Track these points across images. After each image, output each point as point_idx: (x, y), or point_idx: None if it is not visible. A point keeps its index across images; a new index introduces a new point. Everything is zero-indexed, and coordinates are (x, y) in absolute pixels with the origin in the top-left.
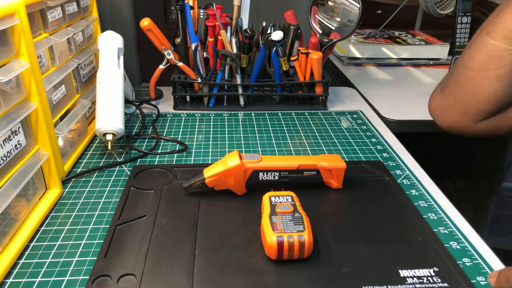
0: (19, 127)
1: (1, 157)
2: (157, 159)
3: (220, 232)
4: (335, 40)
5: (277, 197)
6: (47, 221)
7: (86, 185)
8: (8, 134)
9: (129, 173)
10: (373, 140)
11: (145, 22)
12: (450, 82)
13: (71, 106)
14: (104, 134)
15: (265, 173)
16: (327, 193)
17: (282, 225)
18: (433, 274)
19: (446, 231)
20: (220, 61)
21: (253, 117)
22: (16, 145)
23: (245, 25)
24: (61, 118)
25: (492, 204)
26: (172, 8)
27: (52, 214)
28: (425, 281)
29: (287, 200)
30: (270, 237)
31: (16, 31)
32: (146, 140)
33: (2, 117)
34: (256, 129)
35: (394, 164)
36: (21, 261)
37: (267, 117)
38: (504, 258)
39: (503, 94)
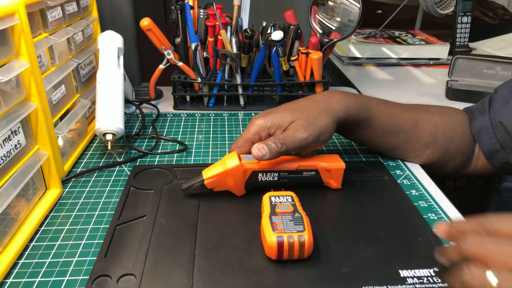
0: (19, 127)
1: (1, 157)
2: (157, 159)
3: (220, 232)
4: (335, 40)
5: (277, 197)
6: (47, 221)
7: (86, 185)
8: (8, 134)
9: (129, 173)
10: None
11: (145, 22)
12: None
13: (71, 106)
14: (104, 134)
15: (264, 174)
16: (327, 193)
17: (282, 225)
18: (433, 274)
19: None
20: (220, 61)
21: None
22: (16, 145)
23: (245, 25)
24: (61, 118)
25: (492, 204)
26: (172, 8)
27: (52, 214)
28: (425, 281)
29: (287, 200)
30: (270, 237)
31: (16, 31)
32: (146, 140)
33: (2, 117)
34: None
35: (394, 164)
36: (21, 261)
37: None
38: None
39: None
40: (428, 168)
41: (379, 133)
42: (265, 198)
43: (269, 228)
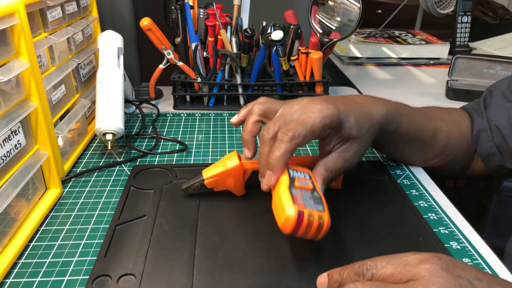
0: (19, 127)
1: (1, 157)
2: (157, 159)
3: (220, 232)
4: (335, 39)
5: (295, 171)
6: (47, 221)
7: (86, 185)
8: (8, 134)
9: (129, 173)
10: None
11: (145, 22)
12: None
13: (71, 106)
14: (104, 134)
15: None
16: (328, 193)
17: (302, 200)
18: None
19: (446, 231)
20: (220, 60)
21: None
22: (16, 145)
23: (245, 25)
24: (61, 118)
25: (492, 204)
26: (172, 7)
27: (52, 214)
28: None
29: (305, 176)
30: (290, 208)
31: (16, 31)
32: (146, 139)
33: (2, 117)
34: None
35: (394, 164)
36: (21, 261)
37: None
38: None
39: None
40: (430, 170)
41: (400, 143)
42: None
43: (288, 199)
